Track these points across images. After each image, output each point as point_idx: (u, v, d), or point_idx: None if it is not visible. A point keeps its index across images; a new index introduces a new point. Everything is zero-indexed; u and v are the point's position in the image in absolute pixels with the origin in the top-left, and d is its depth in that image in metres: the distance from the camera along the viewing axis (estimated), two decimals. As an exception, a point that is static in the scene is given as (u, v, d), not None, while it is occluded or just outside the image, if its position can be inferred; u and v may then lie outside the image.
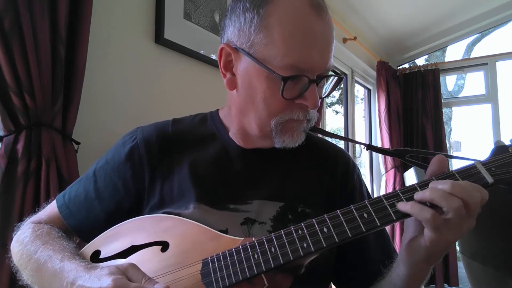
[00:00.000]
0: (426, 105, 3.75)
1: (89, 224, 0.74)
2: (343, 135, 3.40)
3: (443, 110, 3.78)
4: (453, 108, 5.34)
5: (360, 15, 3.17)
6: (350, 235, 0.56)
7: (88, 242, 0.72)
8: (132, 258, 0.65)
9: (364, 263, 0.77)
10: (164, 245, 0.65)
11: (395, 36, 3.66)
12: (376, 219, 0.56)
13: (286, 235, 0.59)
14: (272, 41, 0.64)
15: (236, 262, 0.59)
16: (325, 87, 0.74)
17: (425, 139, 3.73)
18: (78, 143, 1.18)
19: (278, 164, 0.77)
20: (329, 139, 0.92)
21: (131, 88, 1.42)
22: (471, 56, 6.83)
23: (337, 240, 0.56)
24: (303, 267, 0.62)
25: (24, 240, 0.71)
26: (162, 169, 0.74)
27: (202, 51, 1.69)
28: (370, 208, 0.57)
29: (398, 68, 3.99)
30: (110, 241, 0.69)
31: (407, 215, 0.56)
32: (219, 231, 0.65)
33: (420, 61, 5.67)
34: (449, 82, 7.59)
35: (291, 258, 0.57)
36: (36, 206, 0.88)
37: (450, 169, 0.60)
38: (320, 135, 0.87)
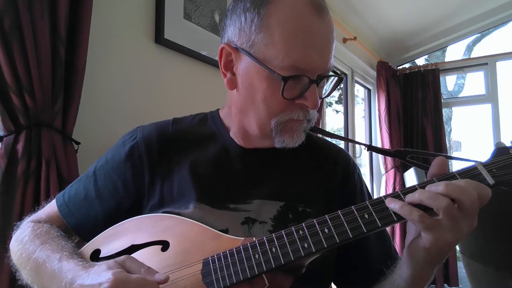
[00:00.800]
0: (426, 105, 3.75)
1: (88, 223, 0.74)
2: (343, 135, 3.40)
3: (443, 110, 3.78)
4: (453, 108, 5.34)
5: (360, 15, 3.17)
6: (351, 236, 0.56)
7: (88, 241, 0.72)
8: None
9: (365, 263, 0.77)
10: (165, 245, 0.65)
11: (395, 36, 3.66)
12: (377, 219, 0.56)
13: (287, 235, 0.59)
14: (272, 41, 0.64)
15: (237, 261, 0.59)
16: (325, 87, 0.74)
17: (425, 139, 3.73)
18: (78, 143, 1.18)
19: (279, 164, 0.76)
20: (329, 139, 0.92)
21: (131, 88, 1.42)
22: (471, 56, 6.84)
23: (338, 241, 0.56)
24: (304, 267, 0.62)
25: (23, 239, 0.70)
26: (162, 168, 0.74)
27: (202, 51, 1.69)
28: (371, 209, 0.57)
29: (398, 68, 3.99)
30: (110, 240, 0.69)
31: None
32: (219, 230, 0.65)
33: (420, 61, 5.68)
34: (449, 82, 7.59)
35: (292, 258, 0.57)
36: (36, 206, 0.88)
37: (451, 170, 0.59)
38: (320, 135, 0.87)
